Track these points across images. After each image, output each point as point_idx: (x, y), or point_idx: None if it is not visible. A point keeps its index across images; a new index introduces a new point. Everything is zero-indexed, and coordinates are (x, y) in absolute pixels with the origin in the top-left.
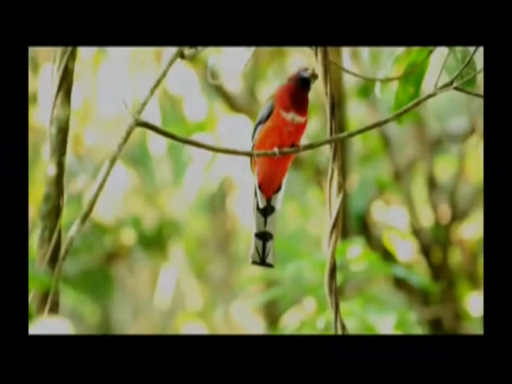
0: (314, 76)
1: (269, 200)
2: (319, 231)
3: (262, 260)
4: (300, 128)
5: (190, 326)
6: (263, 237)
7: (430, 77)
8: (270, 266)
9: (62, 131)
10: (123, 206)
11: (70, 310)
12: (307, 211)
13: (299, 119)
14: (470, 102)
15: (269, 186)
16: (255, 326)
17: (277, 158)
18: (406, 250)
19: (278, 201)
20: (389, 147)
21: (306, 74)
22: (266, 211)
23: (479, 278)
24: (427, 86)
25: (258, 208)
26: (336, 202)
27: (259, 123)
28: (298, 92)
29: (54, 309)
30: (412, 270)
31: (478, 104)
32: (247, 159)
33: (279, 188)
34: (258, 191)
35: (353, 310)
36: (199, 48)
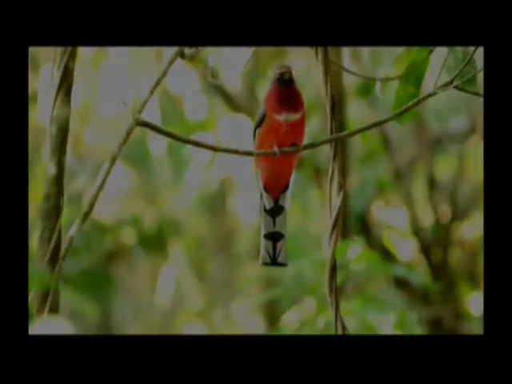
0: (284, 73)
1: (276, 200)
2: (319, 231)
3: (272, 260)
4: (297, 125)
5: (190, 325)
6: (272, 237)
7: (430, 76)
8: (282, 265)
9: (62, 131)
10: (123, 205)
11: (70, 310)
12: (307, 211)
13: (294, 117)
14: (470, 101)
15: (274, 187)
16: (255, 325)
17: (278, 158)
18: (406, 249)
19: (287, 200)
20: (389, 147)
21: (277, 74)
22: (274, 212)
23: (479, 278)
24: (427, 86)
25: (265, 209)
26: (336, 201)
27: (256, 127)
28: (281, 92)
29: (54, 309)
30: (412, 270)
31: (478, 104)
32: (248, 159)
33: (286, 188)
34: (263, 192)
35: (353, 310)
36: (199, 48)
